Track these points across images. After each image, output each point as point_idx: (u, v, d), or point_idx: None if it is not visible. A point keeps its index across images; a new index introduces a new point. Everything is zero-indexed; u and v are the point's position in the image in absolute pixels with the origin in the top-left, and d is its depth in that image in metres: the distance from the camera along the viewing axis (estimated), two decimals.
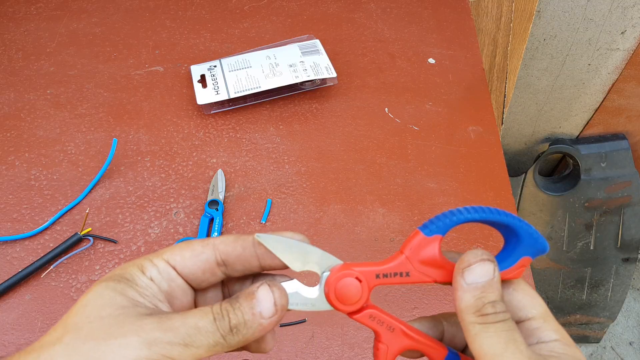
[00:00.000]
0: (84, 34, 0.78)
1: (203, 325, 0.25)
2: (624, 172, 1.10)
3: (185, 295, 0.28)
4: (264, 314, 0.26)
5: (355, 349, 0.54)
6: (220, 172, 0.63)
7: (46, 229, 0.59)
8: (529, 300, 0.29)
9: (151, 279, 0.27)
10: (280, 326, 0.55)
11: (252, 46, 0.78)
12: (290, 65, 0.73)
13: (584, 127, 1.10)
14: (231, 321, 0.25)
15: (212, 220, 0.58)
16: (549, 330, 0.27)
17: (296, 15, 0.83)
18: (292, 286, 0.29)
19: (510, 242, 0.30)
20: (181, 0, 0.83)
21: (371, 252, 0.61)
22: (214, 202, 0.58)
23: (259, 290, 0.27)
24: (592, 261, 1.21)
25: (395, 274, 0.29)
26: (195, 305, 0.29)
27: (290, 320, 0.56)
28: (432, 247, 0.29)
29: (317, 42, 0.76)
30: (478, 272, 0.27)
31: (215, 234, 0.58)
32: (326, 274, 0.29)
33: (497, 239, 0.62)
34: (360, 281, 0.29)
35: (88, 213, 0.61)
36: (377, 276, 0.29)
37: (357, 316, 0.29)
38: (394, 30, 0.82)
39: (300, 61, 0.73)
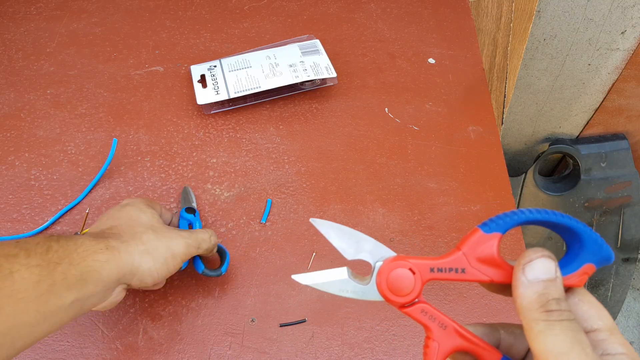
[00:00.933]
0: (84, 34, 0.78)
1: (207, 238, 0.53)
2: (624, 172, 1.10)
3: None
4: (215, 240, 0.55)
5: (355, 349, 0.54)
6: (186, 188, 0.63)
7: (46, 229, 0.59)
8: (595, 311, 0.28)
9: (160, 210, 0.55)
10: (280, 326, 0.55)
11: (252, 46, 0.78)
12: (290, 65, 0.73)
13: (584, 127, 1.10)
14: (214, 239, 0.54)
15: (190, 225, 0.58)
16: (616, 343, 0.26)
17: (296, 15, 0.83)
18: (342, 273, 0.29)
19: (574, 248, 0.29)
20: (181, 0, 0.83)
21: None
22: (190, 209, 0.58)
23: (210, 230, 0.55)
24: None
25: (451, 270, 0.28)
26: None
27: (290, 321, 0.56)
28: (490, 245, 0.28)
29: (317, 42, 0.76)
30: (540, 268, 0.26)
31: None
32: (379, 263, 0.28)
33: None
34: (414, 273, 0.28)
35: (88, 213, 0.61)
36: (432, 270, 0.28)
37: (408, 309, 0.28)
38: (394, 30, 0.82)
39: (300, 61, 0.73)
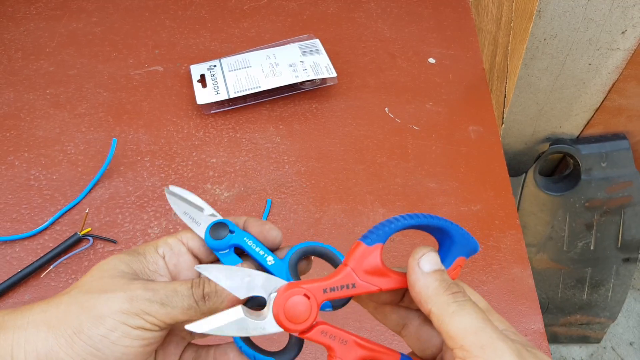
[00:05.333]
0: (84, 34, 0.78)
1: (180, 289, 0.29)
2: (625, 172, 1.10)
3: (189, 271, 0.33)
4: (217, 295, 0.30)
5: None
6: (169, 193, 0.36)
7: (46, 229, 0.59)
8: (475, 297, 0.31)
9: (163, 256, 0.32)
10: None
11: (252, 46, 0.78)
12: (290, 65, 0.72)
13: (584, 127, 1.09)
14: (204, 289, 0.30)
15: (238, 249, 0.34)
16: (497, 321, 0.30)
17: (296, 15, 0.83)
18: (238, 312, 0.28)
19: (444, 245, 0.31)
20: (181, 0, 0.83)
21: None
22: (216, 227, 0.34)
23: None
24: (593, 261, 1.21)
25: (342, 287, 0.29)
26: None
27: None
28: (374, 256, 0.29)
29: (317, 41, 0.76)
30: (432, 260, 0.29)
31: (270, 257, 0.33)
32: (273, 295, 0.29)
33: (496, 239, 0.62)
34: (308, 298, 0.28)
35: (88, 213, 0.61)
36: (325, 291, 0.29)
37: (309, 334, 0.29)
38: (394, 30, 0.82)
39: (300, 61, 0.73)
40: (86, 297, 0.28)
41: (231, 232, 0.34)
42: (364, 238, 0.29)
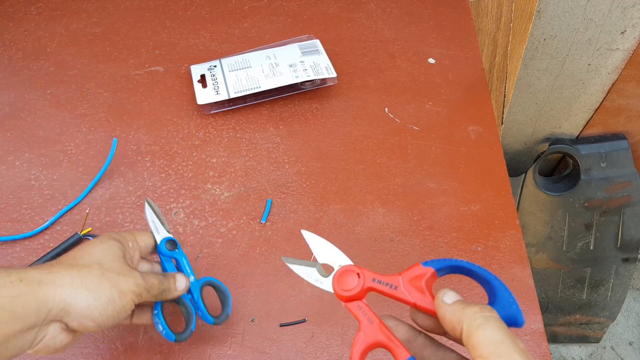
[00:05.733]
0: (84, 34, 0.78)
1: (156, 283, 0.45)
2: (624, 172, 1.10)
3: (139, 263, 0.48)
4: (178, 288, 0.48)
5: None
6: (150, 206, 0.52)
7: (46, 229, 0.59)
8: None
9: (131, 247, 0.47)
10: (280, 326, 0.55)
11: (252, 46, 0.78)
12: (290, 65, 0.73)
13: (583, 127, 1.10)
14: (165, 286, 0.46)
15: (175, 262, 0.51)
16: (518, 342, 0.31)
17: (296, 15, 0.83)
18: (314, 269, 0.39)
19: (489, 300, 0.34)
20: (181, 0, 0.83)
21: (371, 252, 0.61)
22: (170, 242, 0.50)
23: (177, 275, 0.49)
24: (592, 261, 1.21)
25: (387, 284, 0.35)
26: None
27: (290, 320, 0.56)
28: (422, 274, 0.34)
29: (317, 42, 0.76)
30: (454, 294, 0.32)
31: (192, 277, 0.50)
32: (338, 267, 0.38)
33: (496, 239, 0.62)
34: (359, 277, 0.36)
35: (88, 213, 0.61)
36: (373, 280, 0.36)
37: (349, 304, 0.36)
38: (394, 30, 0.82)
39: (300, 61, 0.73)
40: (112, 274, 0.42)
41: (176, 249, 0.51)
42: (424, 262, 0.35)
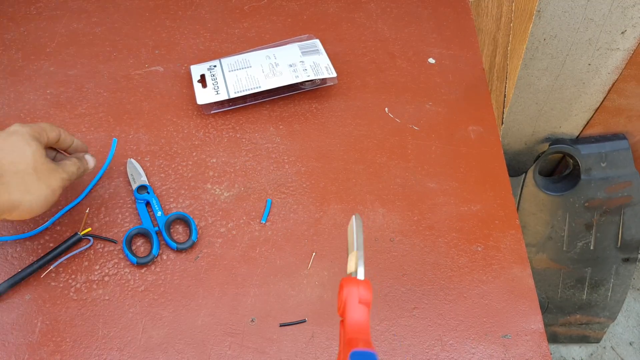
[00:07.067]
0: (84, 34, 0.78)
1: (76, 170, 0.55)
2: (624, 172, 1.10)
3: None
4: (90, 165, 0.58)
5: None
6: (130, 161, 0.65)
7: (46, 229, 0.59)
8: None
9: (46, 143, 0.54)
10: (280, 326, 0.55)
11: (252, 46, 0.78)
12: (290, 65, 0.73)
13: (584, 127, 1.10)
14: (81, 170, 0.56)
15: (147, 203, 0.61)
16: None
17: (296, 15, 0.83)
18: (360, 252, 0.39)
19: None
20: (181, 0, 0.83)
21: (371, 252, 0.61)
22: (142, 188, 0.62)
23: (86, 156, 0.58)
24: (592, 261, 1.21)
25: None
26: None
27: (290, 320, 0.56)
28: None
29: (317, 42, 0.76)
30: None
31: (160, 212, 0.61)
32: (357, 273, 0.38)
33: (496, 239, 0.62)
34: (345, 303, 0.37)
35: (88, 213, 0.61)
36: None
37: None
38: (394, 30, 0.82)
39: (300, 61, 0.73)
40: (44, 176, 0.51)
41: (147, 192, 0.62)
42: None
